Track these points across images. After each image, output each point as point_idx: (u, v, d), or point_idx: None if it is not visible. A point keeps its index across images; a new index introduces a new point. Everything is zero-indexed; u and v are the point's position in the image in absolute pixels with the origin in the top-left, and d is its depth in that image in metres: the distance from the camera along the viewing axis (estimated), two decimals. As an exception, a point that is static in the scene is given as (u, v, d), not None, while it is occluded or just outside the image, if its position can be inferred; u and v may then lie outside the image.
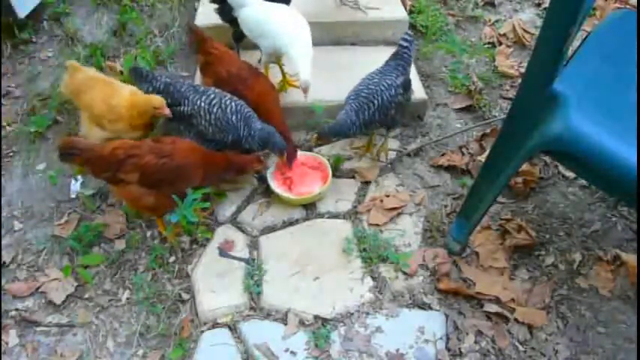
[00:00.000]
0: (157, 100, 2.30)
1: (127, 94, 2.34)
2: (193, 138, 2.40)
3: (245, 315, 2.08)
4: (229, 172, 2.36)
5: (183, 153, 2.16)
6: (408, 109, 2.57)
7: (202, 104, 2.34)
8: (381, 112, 2.35)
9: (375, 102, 2.33)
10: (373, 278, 2.17)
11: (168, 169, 2.12)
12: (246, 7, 2.58)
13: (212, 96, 2.37)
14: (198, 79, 2.84)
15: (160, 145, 2.16)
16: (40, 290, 2.20)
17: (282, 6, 2.61)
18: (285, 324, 2.03)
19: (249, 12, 2.58)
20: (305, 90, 2.44)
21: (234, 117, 2.32)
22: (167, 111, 2.29)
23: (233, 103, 2.35)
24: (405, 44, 2.50)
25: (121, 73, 2.93)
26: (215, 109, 2.33)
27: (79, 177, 2.52)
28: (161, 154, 2.12)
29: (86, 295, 2.20)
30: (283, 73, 2.82)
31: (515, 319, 2.06)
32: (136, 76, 2.45)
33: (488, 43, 3.33)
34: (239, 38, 2.82)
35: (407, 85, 2.48)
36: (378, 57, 2.62)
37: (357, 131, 2.36)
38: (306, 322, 2.04)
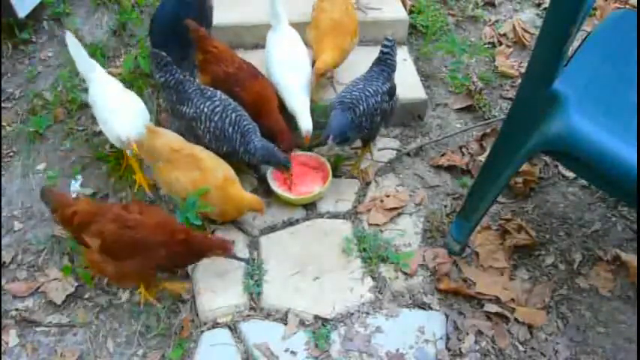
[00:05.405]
0: (259, 204, 2.26)
1: (220, 179, 2.20)
2: (192, 141, 2.34)
3: (245, 315, 2.08)
4: (191, 257, 2.08)
5: (148, 227, 1.96)
6: (392, 116, 2.51)
7: (205, 109, 2.30)
8: (367, 118, 2.29)
9: (361, 107, 2.26)
10: (373, 278, 2.17)
11: (129, 242, 1.95)
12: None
13: (217, 102, 2.31)
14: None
15: (124, 215, 1.97)
16: (40, 290, 2.20)
17: (285, 42, 2.59)
18: (285, 324, 2.03)
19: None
20: (306, 138, 2.47)
21: (230, 128, 2.28)
22: (263, 212, 2.29)
23: (233, 114, 2.30)
24: (386, 50, 2.37)
25: (120, 74, 2.93)
26: (216, 118, 2.29)
27: (79, 177, 2.52)
28: (124, 224, 1.95)
29: (86, 295, 2.19)
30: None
31: (515, 319, 2.06)
32: (155, 62, 2.36)
33: (488, 43, 3.33)
34: None
35: (392, 92, 2.40)
36: (377, 57, 2.62)
37: (355, 132, 2.29)
38: (306, 322, 2.04)
